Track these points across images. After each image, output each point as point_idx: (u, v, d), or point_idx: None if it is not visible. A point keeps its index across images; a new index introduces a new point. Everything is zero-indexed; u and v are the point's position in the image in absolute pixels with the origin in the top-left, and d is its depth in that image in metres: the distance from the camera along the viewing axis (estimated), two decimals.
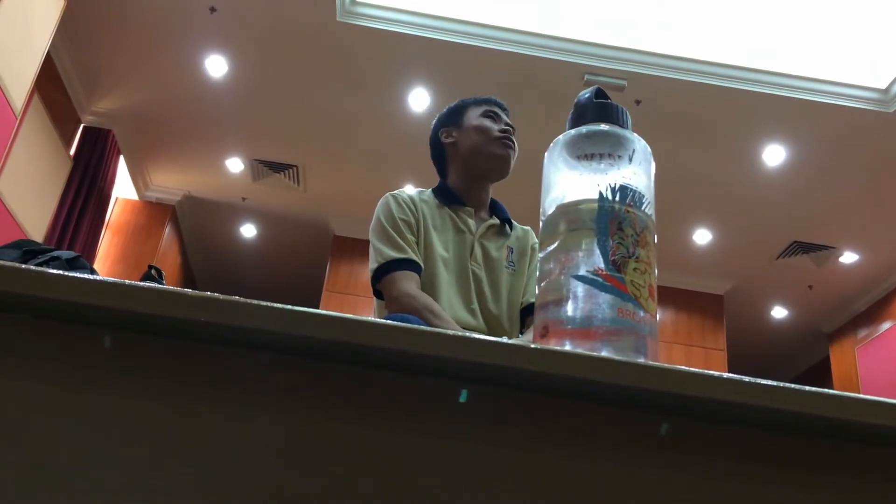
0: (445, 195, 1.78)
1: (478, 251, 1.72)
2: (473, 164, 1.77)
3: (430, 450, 0.45)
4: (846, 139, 4.93)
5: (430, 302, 1.55)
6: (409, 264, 1.60)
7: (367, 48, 4.70)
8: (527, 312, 1.71)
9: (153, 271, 1.82)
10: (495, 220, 1.79)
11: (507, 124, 1.79)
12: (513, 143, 1.76)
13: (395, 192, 1.76)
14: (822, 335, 7.28)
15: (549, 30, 4.63)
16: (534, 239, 1.82)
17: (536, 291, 0.62)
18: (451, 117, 1.84)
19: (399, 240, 1.63)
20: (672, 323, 6.65)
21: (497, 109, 1.82)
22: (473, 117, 1.79)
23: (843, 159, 5.10)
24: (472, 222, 1.75)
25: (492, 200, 1.83)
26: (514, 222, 1.83)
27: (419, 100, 5.05)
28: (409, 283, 1.57)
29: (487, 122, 1.77)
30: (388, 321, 0.46)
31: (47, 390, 0.44)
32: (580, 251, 0.59)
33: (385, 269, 1.61)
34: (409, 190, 1.80)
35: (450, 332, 0.47)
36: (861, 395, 0.47)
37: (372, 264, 1.65)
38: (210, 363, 0.46)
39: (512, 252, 1.76)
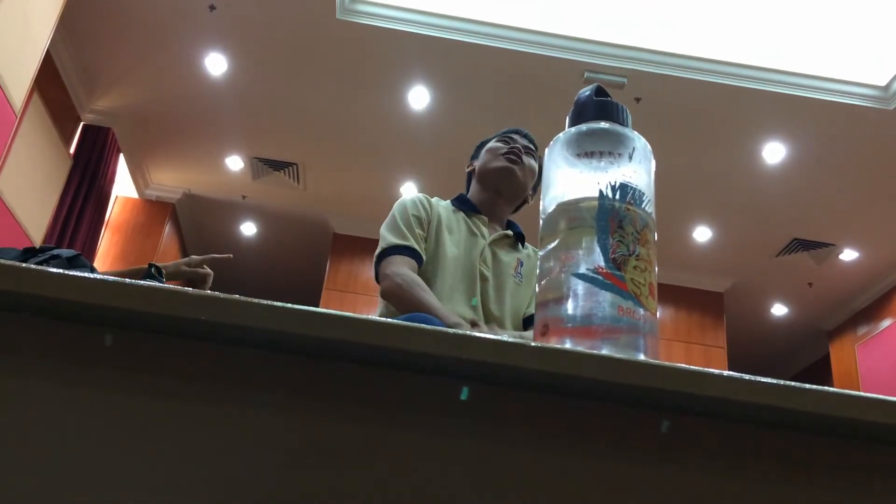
0: (463, 203, 1.88)
1: (487, 254, 1.78)
2: (484, 180, 1.87)
3: (430, 448, 0.45)
4: (846, 136, 4.93)
5: (418, 279, 1.62)
6: (407, 250, 1.68)
7: (366, 46, 4.70)
8: (529, 322, 1.75)
9: (153, 270, 1.82)
10: (509, 233, 1.86)
11: (523, 147, 1.87)
12: (518, 158, 1.83)
13: (415, 194, 1.85)
14: (822, 332, 7.28)
15: (548, 27, 4.63)
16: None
17: (537, 289, 0.62)
18: (476, 152, 1.97)
19: (405, 230, 1.71)
20: (672, 320, 6.65)
21: (514, 136, 1.91)
22: (488, 145, 1.91)
23: (843, 157, 5.10)
24: (485, 229, 1.83)
25: (508, 221, 1.91)
26: (528, 243, 1.90)
27: (419, 98, 5.05)
28: (402, 265, 1.64)
29: (498, 144, 1.88)
30: (388, 319, 0.46)
31: (47, 389, 0.44)
32: (580, 249, 0.59)
33: (385, 253, 1.69)
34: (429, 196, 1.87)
35: (450, 330, 0.47)
36: (861, 393, 0.47)
37: (377, 251, 1.73)
38: (210, 362, 0.46)
39: (521, 265, 1.82)
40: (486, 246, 1.78)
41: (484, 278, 1.73)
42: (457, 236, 1.77)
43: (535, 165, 1.89)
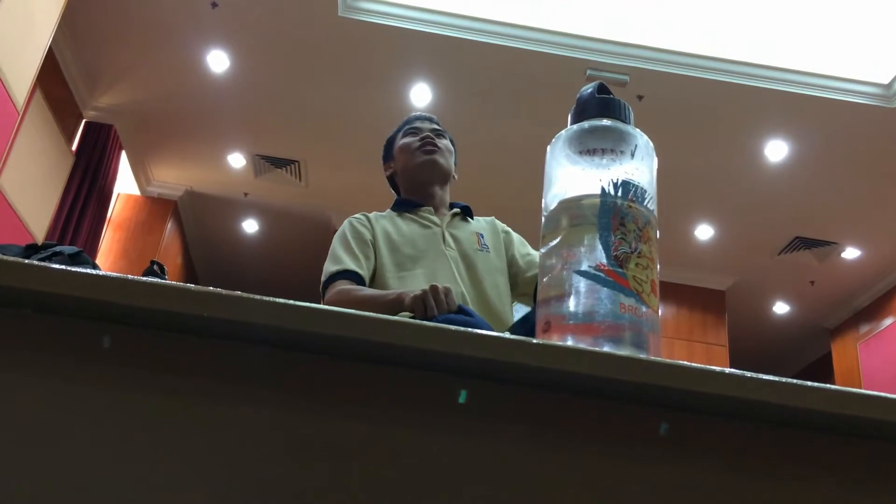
0: (402, 204, 1.88)
1: (448, 238, 1.78)
2: (410, 178, 1.88)
3: (432, 445, 0.45)
4: (849, 135, 4.92)
5: (349, 287, 1.62)
6: (342, 274, 1.67)
7: (368, 43, 4.70)
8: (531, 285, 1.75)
9: (155, 267, 1.82)
10: (457, 210, 1.87)
11: (430, 131, 1.88)
12: (434, 145, 1.84)
13: (355, 215, 1.85)
14: (824, 331, 7.27)
15: (551, 25, 4.62)
16: (500, 224, 1.92)
17: (538, 282, 0.62)
18: (386, 153, 1.98)
19: (341, 255, 1.71)
20: (674, 318, 6.64)
21: (417, 123, 1.92)
22: (398, 143, 1.92)
23: (846, 155, 5.09)
24: (434, 217, 1.83)
25: (451, 203, 1.91)
26: (477, 217, 1.91)
27: (421, 95, 5.05)
28: (337, 287, 1.64)
29: (407, 140, 1.89)
30: (388, 317, 0.46)
31: (49, 385, 0.44)
32: (582, 246, 0.59)
33: (323, 287, 1.70)
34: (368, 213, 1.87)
35: (452, 327, 0.47)
36: (863, 391, 0.47)
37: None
38: (212, 358, 0.46)
39: (482, 237, 1.82)
40: (443, 231, 1.78)
41: (455, 261, 1.72)
42: (409, 235, 1.76)
43: (449, 143, 1.90)
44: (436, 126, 1.92)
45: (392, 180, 1.97)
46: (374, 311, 1.42)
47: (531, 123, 4.99)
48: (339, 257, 1.71)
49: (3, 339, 0.45)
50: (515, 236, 1.89)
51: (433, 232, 1.78)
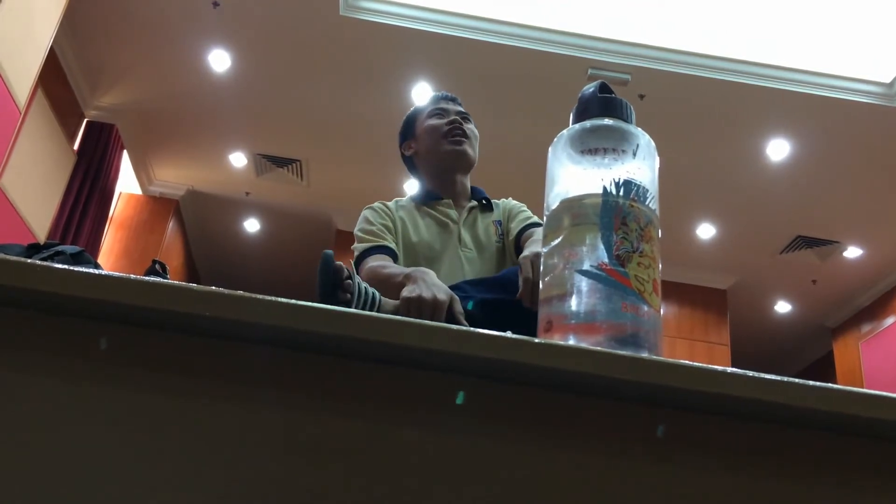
0: (423, 196, 1.83)
1: (466, 237, 1.75)
2: (434, 164, 1.82)
3: (433, 444, 0.45)
4: (850, 134, 4.92)
5: (377, 263, 1.58)
6: (375, 250, 1.64)
7: (370, 42, 4.70)
8: (522, 233, 1.72)
9: (157, 266, 1.82)
10: (474, 203, 1.83)
11: (457, 114, 1.83)
12: (463, 132, 1.79)
13: (372, 204, 1.81)
14: (826, 330, 7.27)
15: (552, 24, 4.62)
16: (510, 202, 1.86)
17: (541, 285, 0.62)
18: (407, 130, 1.90)
19: (370, 237, 1.68)
20: (675, 318, 6.64)
21: (443, 104, 1.86)
22: (423, 122, 1.85)
23: (848, 154, 5.09)
24: (453, 213, 1.78)
25: (472, 188, 1.87)
26: (494, 200, 1.86)
27: (422, 94, 5.04)
28: (370, 262, 1.61)
29: (434, 122, 1.82)
30: (390, 316, 0.46)
31: (52, 385, 0.44)
32: (584, 246, 0.59)
33: (356, 263, 1.66)
34: (388, 201, 1.84)
35: (453, 327, 0.47)
36: (865, 390, 0.47)
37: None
38: (214, 358, 0.46)
39: (500, 225, 1.79)
40: (460, 230, 1.74)
41: (471, 262, 1.69)
42: (427, 236, 1.73)
43: (474, 127, 1.85)
44: (460, 108, 1.86)
45: (410, 160, 1.89)
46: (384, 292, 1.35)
47: (533, 123, 4.98)
48: (368, 239, 1.68)
49: (5, 338, 0.45)
50: (513, 208, 1.83)
51: (450, 233, 1.74)
